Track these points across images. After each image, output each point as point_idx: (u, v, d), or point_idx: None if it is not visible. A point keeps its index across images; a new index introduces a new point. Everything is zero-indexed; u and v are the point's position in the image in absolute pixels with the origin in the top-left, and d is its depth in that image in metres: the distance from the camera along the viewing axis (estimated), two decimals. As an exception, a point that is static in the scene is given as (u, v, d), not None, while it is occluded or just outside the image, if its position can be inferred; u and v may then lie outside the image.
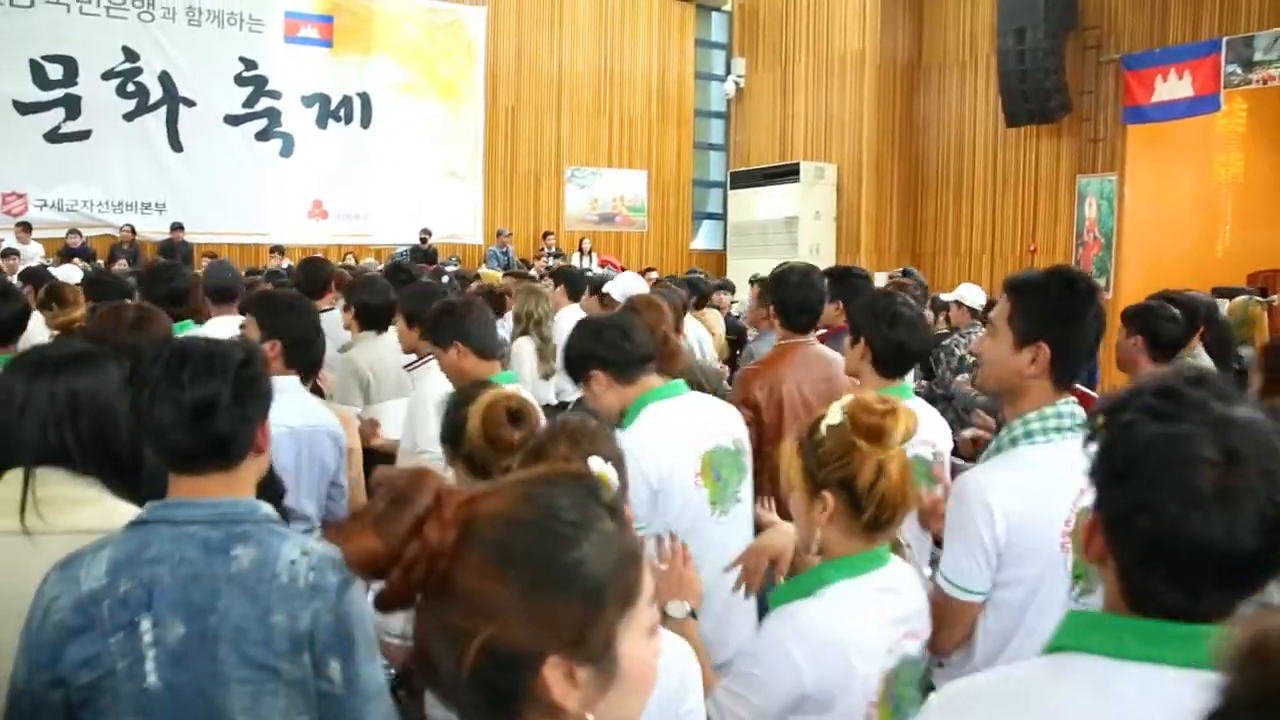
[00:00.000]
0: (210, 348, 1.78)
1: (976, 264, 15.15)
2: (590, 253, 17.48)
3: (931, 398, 6.24)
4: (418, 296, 4.13)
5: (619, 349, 2.86)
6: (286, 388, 2.87)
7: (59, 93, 14.65)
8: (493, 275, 9.68)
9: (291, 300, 3.42)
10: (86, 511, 1.93)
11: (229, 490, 1.76)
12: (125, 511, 1.91)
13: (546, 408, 5.60)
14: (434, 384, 3.58)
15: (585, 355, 2.91)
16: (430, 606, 1.03)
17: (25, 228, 13.59)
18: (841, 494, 1.88)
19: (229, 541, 1.70)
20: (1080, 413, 2.26)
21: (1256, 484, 1.13)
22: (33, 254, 12.64)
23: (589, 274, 9.79)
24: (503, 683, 1.00)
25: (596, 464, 1.68)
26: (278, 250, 14.85)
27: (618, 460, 1.93)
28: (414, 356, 4.06)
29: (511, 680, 1.00)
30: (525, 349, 5.92)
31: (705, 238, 20.28)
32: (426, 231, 16.52)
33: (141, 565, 1.66)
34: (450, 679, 1.01)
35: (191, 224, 14.98)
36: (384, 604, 1.04)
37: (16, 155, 14.29)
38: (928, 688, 2.09)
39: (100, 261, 13.14)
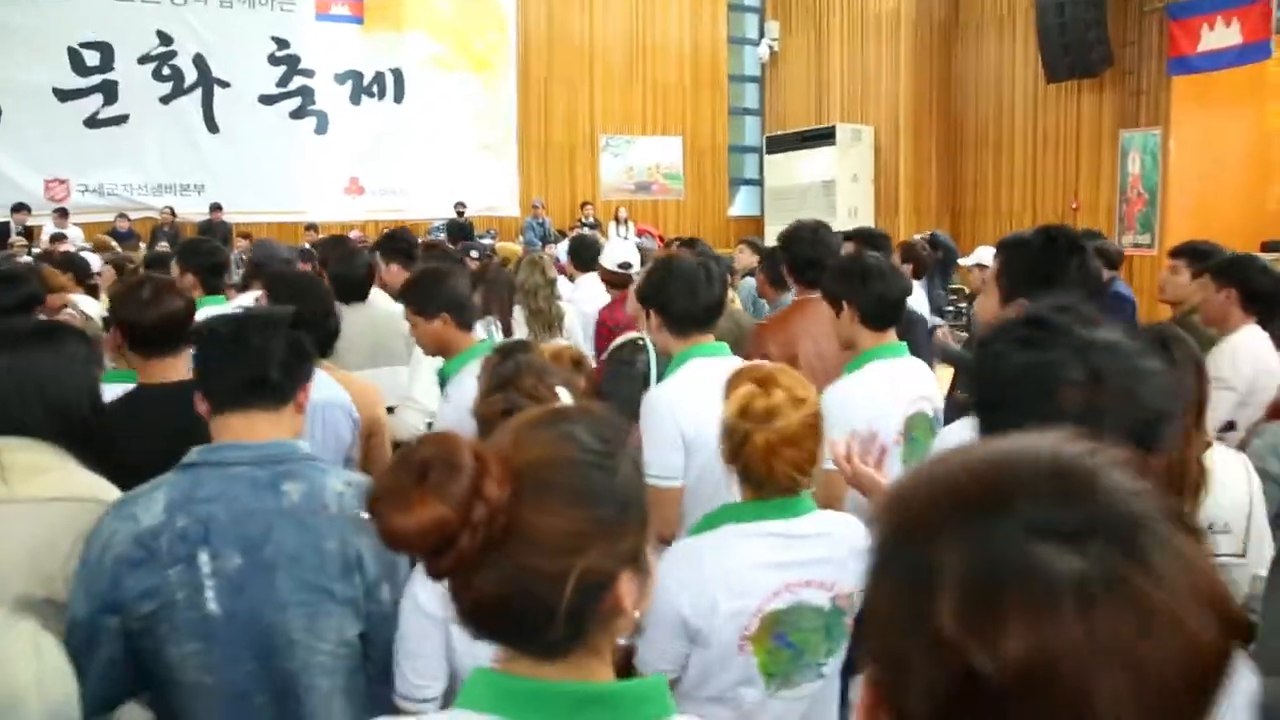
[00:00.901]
0: (266, 309, 2.05)
1: (1018, 223, 14.87)
2: (627, 221, 17.38)
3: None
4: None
5: (674, 302, 2.90)
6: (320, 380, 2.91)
7: (96, 79, 14.81)
8: (512, 249, 9.66)
9: (303, 279, 3.44)
10: (48, 479, 1.96)
11: (275, 432, 1.92)
12: (84, 479, 2.01)
13: None
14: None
15: (645, 296, 2.99)
16: (502, 560, 1.04)
17: (62, 214, 13.78)
18: (730, 451, 2.08)
19: (277, 479, 1.86)
20: None
21: (1118, 403, 1.21)
22: (73, 238, 12.81)
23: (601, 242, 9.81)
24: (586, 607, 1.06)
25: (565, 394, 2.00)
26: (313, 228, 14.93)
27: (577, 392, 2.13)
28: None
29: (592, 603, 1.06)
30: (517, 318, 6.00)
31: (742, 204, 20.13)
32: (462, 205, 16.53)
33: (197, 503, 1.80)
34: (538, 619, 1.05)
35: (229, 204, 15.10)
36: (446, 570, 1.03)
37: (57, 142, 14.48)
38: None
39: (143, 246, 13.28)
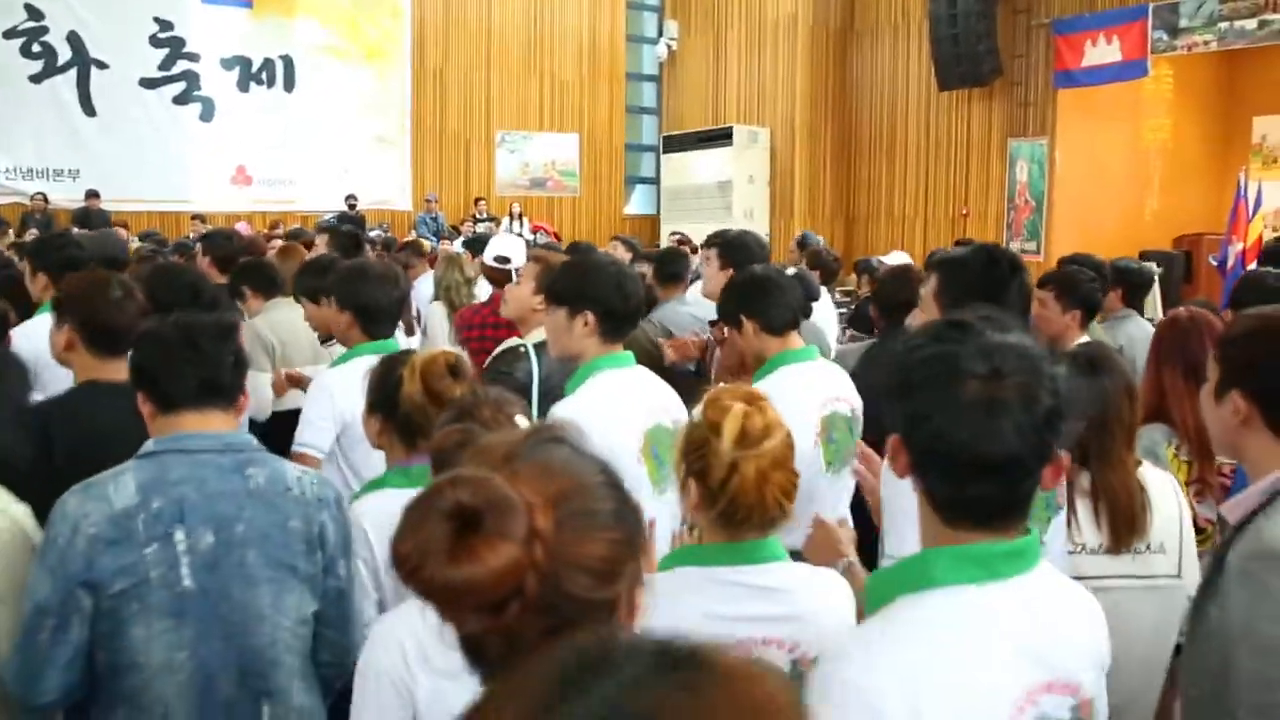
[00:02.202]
0: (211, 318, 2.15)
1: (910, 228, 15.23)
2: (521, 217, 17.19)
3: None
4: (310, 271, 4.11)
5: (609, 302, 2.77)
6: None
7: (-43, 54, 13.99)
8: (420, 244, 9.50)
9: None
10: None
11: (227, 426, 2.05)
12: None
13: None
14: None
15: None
16: (551, 598, 0.97)
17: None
18: (700, 485, 1.84)
19: (241, 464, 1.99)
20: None
21: (1014, 395, 1.32)
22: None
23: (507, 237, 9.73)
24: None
25: (523, 424, 1.90)
26: (199, 218, 14.36)
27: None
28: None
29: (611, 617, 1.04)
30: (437, 314, 5.92)
31: (639, 202, 20.13)
32: (353, 198, 16.13)
33: (170, 485, 1.89)
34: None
35: (108, 191, 14.42)
36: (512, 622, 0.96)
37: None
38: None
39: (10, 234, 12.58)
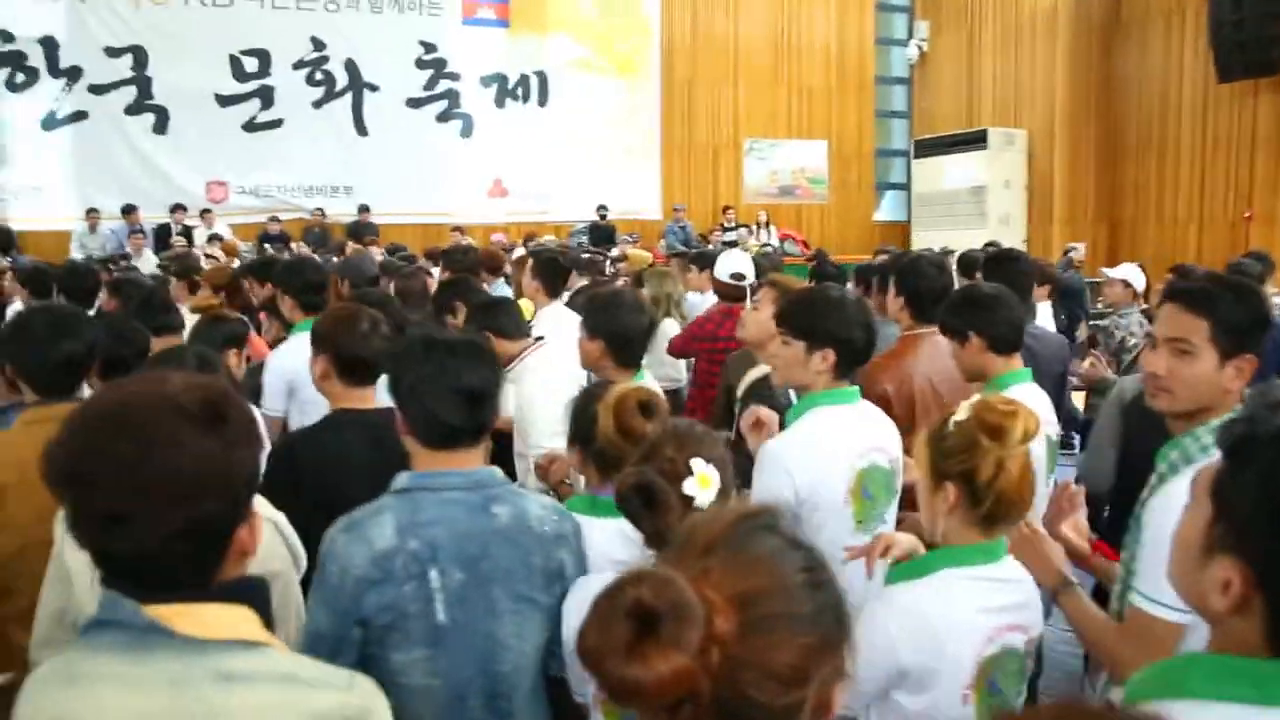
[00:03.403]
0: (471, 340, 2.22)
1: (1183, 232, 14.04)
2: (768, 225, 17.11)
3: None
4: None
5: (850, 340, 2.79)
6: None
7: (255, 84, 15.43)
8: (642, 256, 9.55)
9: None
10: None
11: (474, 463, 2.14)
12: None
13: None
14: (534, 382, 3.53)
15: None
16: (730, 698, 0.98)
17: (208, 215, 14.51)
18: (963, 486, 1.98)
19: (487, 502, 2.09)
20: None
21: None
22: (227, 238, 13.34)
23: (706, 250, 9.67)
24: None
25: (699, 465, 1.93)
26: (459, 230, 15.16)
27: (720, 463, 1.99)
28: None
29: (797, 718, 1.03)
30: (670, 331, 5.84)
31: (889, 209, 19.61)
32: (604, 208, 16.56)
33: (422, 527, 2.01)
34: None
35: (376, 205, 15.50)
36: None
37: (219, 145, 15.16)
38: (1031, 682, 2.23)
39: (294, 246, 13.73)
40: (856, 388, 2.83)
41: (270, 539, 2.24)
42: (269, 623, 1.40)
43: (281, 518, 2.31)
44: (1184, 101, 14.07)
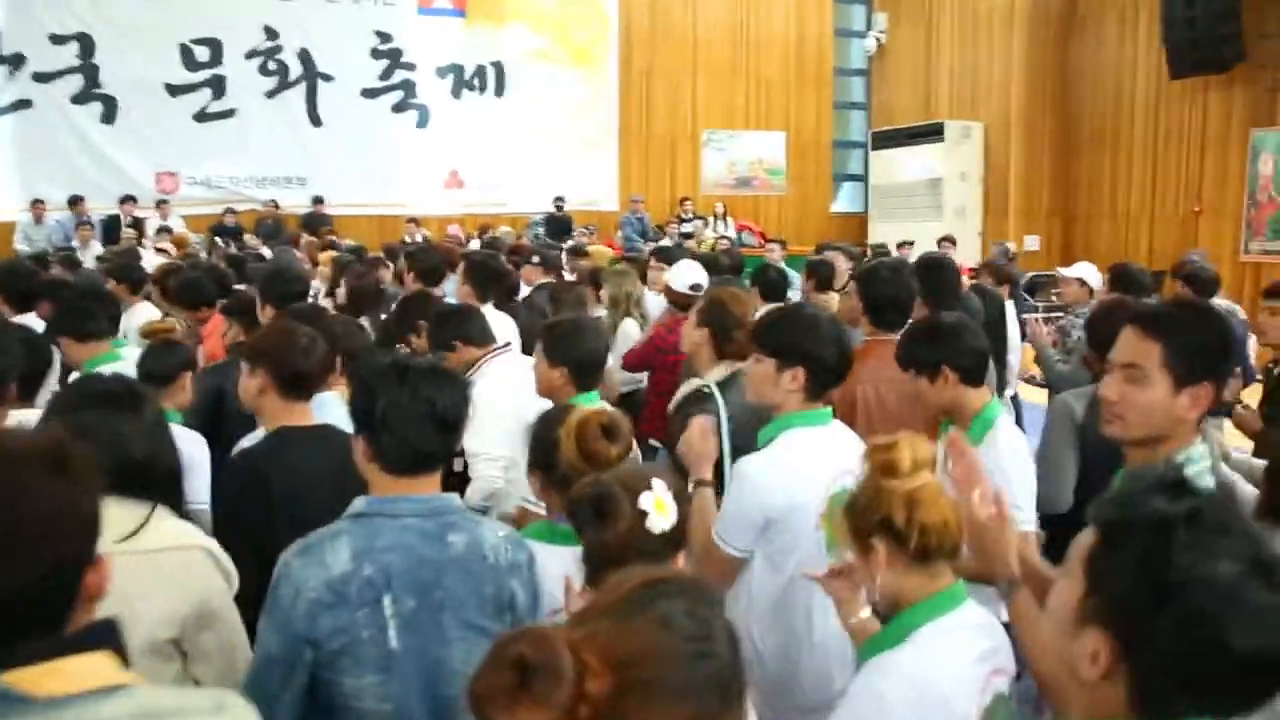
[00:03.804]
0: (439, 366, 2.20)
1: (1134, 226, 14.19)
2: (726, 217, 17.10)
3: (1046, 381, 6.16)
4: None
5: (823, 360, 2.73)
6: (328, 401, 3.23)
7: (206, 74, 15.16)
8: (600, 252, 9.45)
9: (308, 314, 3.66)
10: (151, 530, 2.11)
11: (432, 489, 2.14)
12: (179, 527, 2.21)
13: (623, 396, 5.49)
14: (490, 387, 3.50)
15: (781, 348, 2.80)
16: None
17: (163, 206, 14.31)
18: (886, 535, 1.90)
19: (443, 530, 2.10)
20: (1205, 452, 2.13)
21: None
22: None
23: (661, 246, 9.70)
24: None
25: (660, 487, 1.94)
26: (414, 221, 15.02)
27: (678, 497, 1.99)
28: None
29: None
30: (632, 332, 5.83)
31: (846, 200, 19.66)
32: (561, 199, 16.47)
33: (379, 553, 2.02)
34: None
35: (331, 197, 15.32)
36: None
37: (169, 136, 14.90)
38: None
39: (247, 238, 13.51)
40: (829, 409, 2.81)
41: (204, 570, 2.20)
42: (126, 660, 1.37)
43: (214, 544, 2.25)
44: (1137, 97, 14.20)
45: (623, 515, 1.91)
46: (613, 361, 5.54)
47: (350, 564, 2.00)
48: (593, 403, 2.92)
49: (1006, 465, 2.72)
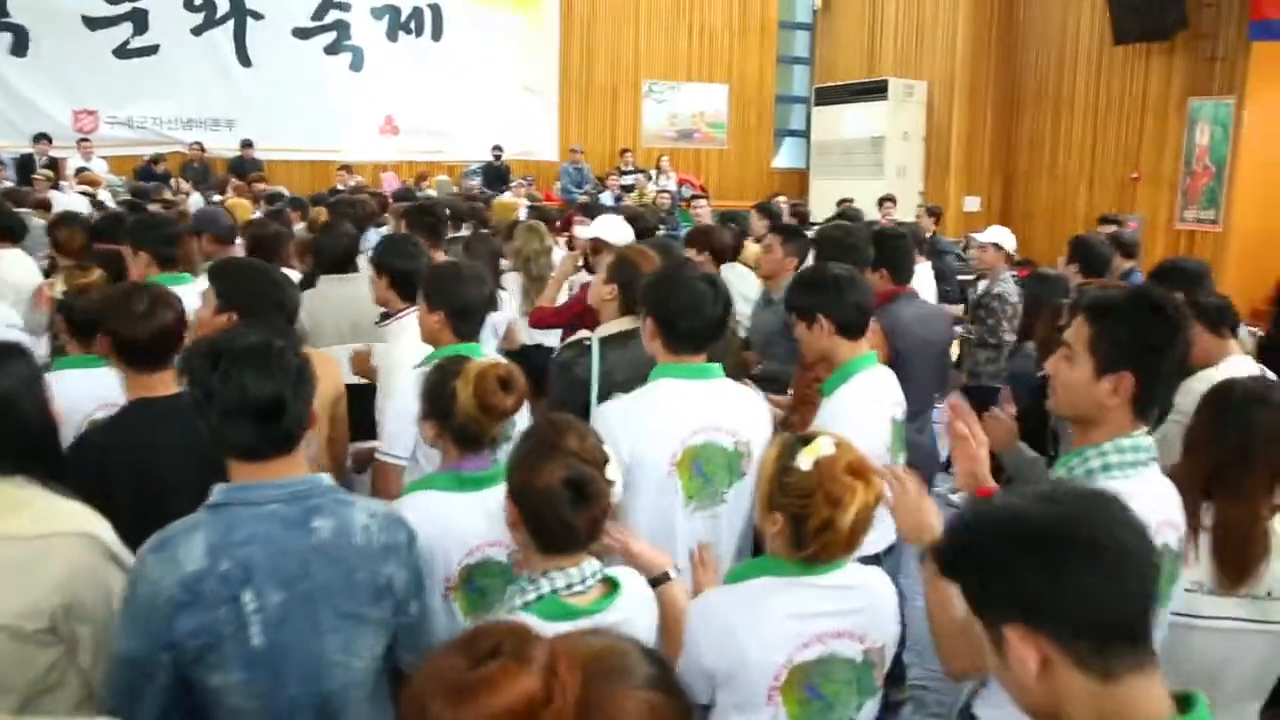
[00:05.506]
0: (262, 345, 1.95)
1: (1073, 189, 14.24)
2: (668, 171, 16.89)
3: (983, 344, 6.37)
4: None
5: (680, 319, 2.84)
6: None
7: (126, 6, 14.51)
8: (509, 204, 9.23)
9: (248, 269, 3.36)
10: (30, 513, 2.02)
11: (292, 470, 1.99)
12: (67, 509, 2.07)
13: (525, 349, 5.52)
14: (405, 346, 3.46)
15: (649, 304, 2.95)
16: None
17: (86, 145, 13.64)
18: (790, 523, 2.05)
19: (307, 515, 1.97)
20: (1151, 445, 2.16)
21: None
22: (100, 172, 12.57)
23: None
24: None
25: (612, 452, 2.09)
26: (346, 168, 14.58)
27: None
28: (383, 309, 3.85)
29: None
30: (513, 285, 5.85)
31: (787, 156, 19.54)
32: (499, 149, 16.13)
33: (235, 546, 1.89)
34: None
35: (261, 140, 14.81)
36: None
37: (87, 71, 14.29)
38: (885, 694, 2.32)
39: (174, 183, 13.00)
40: (714, 365, 2.89)
41: (82, 560, 2.03)
42: None
43: (100, 528, 2.09)
44: (1079, 59, 14.19)
45: (602, 492, 1.99)
46: (516, 315, 5.47)
47: (205, 560, 1.88)
48: (476, 355, 2.88)
49: (839, 417, 2.87)
